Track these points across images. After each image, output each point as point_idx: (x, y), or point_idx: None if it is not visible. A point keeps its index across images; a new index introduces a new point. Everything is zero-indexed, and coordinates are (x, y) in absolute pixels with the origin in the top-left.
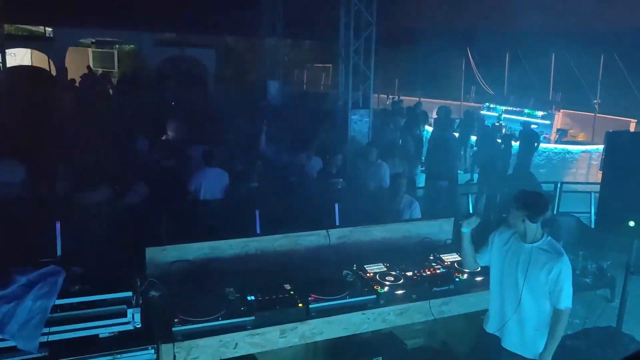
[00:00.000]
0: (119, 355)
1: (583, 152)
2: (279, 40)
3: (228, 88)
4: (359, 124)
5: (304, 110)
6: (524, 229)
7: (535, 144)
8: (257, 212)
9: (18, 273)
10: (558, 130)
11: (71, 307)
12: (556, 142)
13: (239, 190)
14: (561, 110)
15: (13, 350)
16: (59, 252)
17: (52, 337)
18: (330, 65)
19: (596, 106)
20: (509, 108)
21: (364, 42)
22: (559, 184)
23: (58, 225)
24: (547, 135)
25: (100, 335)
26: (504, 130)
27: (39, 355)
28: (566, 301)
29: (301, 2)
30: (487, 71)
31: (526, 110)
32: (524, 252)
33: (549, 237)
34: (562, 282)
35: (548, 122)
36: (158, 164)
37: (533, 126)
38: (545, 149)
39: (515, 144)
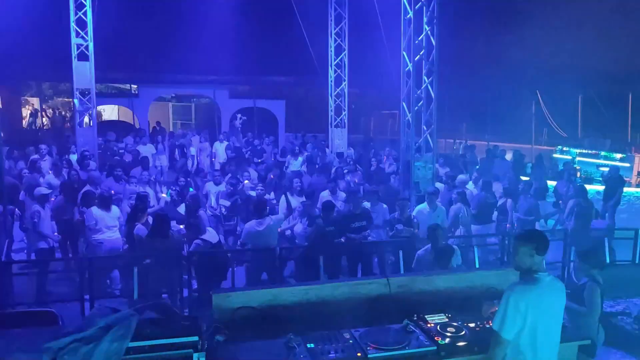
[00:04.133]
0: None
1: None
2: (344, 89)
3: (297, 135)
4: (423, 170)
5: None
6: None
7: (621, 189)
8: (321, 259)
9: (98, 316)
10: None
11: (142, 349)
12: (637, 185)
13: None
14: None
15: None
16: (135, 296)
17: None
18: (397, 111)
19: None
20: (584, 151)
21: (426, 91)
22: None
23: (135, 270)
24: (627, 179)
25: None
26: (578, 174)
27: None
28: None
29: (364, 52)
30: (559, 112)
31: (603, 153)
32: None
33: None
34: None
35: (627, 164)
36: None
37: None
38: (626, 192)
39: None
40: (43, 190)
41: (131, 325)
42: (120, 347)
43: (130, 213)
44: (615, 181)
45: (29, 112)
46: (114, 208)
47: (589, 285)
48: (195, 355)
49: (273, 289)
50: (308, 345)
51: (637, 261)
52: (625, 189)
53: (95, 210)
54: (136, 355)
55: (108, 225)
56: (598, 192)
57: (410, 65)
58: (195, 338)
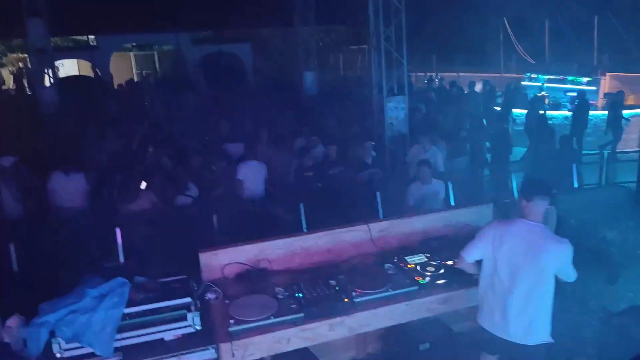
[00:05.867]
0: (183, 356)
1: (633, 116)
2: (312, 27)
3: (266, 82)
4: (395, 111)
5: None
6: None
7: (587, 114)
8: (301, 207)
9: (89, 287)
10: (606, 94)
11: (138, 314)
12: (603, 107)
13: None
14: (608, 74)
15: (92, 355)
16: (121, 259)
17: (124, 342)
18: (366, 46)
19: None
20: (552, 77)
21: (395, 29)
22: (605, 154)
23: (118, 231)
24: (593, 102)
25: (165, 339)
26: (547, 101)
27: (115, 358)
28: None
29: None
30: (527, 40)
31: (570, 78)
32: None
33: None
34: None
35: (594, 87)
36: (205, 165)
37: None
38: (592, 116)
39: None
40: None
41: (124, 292)
42: (117, 314)
43: None
44: (582, 107)
45: None
46: None
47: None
48: (189, 315)
49: (259, 243)
50: (297, 295)
51: (603, 183)
52: (591, 112)
53: None
54: (132, 320)
55: None
56: (566, 118)
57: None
58: (188, 299)
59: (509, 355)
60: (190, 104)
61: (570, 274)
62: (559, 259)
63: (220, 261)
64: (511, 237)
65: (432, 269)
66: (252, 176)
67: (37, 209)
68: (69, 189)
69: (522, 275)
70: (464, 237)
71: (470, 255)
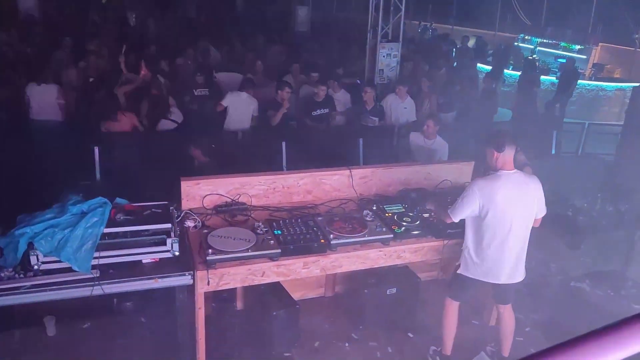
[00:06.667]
0: (160, 279)
1: (618, 89)
2: None
3: (256, 13)
4: (387, 58)
5: (333, 40)
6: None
7: (575, 82)
8: (283, 145)
9: (70, 204)
10: (594, 65)
11: (117, 235)
12: (590, 78)
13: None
14: (600, 44)
15: (69, 270)
16: (97, 176)
17: (101, 261)
18: None
19: (637, 41)
20: (545, 40)
21: None
22: (586, 124)
23: (97, 150)
24: (581, 71)
25: (144, 261)
26: (537, 64)
27: (91, 275)
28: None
29: None
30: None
31: (562, 44)
32: None
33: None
34: None
35: (584, 56)
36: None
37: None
38: (579, 84)
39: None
40: None
41: (105, 212)
42: (96, 232)
43: None
44: (569, 73)
45: None
46: None
47: None
48: (168, 240)
49: (240, 177)
50: (275, 232)
51: (579, 153)
52: (579, 81)
53: None
54: (111, 240)
55: None
56: (553, 84)
57: None
58: (169, 225)
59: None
60: (176, 26)
61: (543, 208)
62: (539, 196)
63: (201, 191)
64: (500, 191)
65: (409, 219)
66: (240, 108)
67: (12, 120)
68: (41, 100)
69: (519, 222)
70: (442, 192)
71: (458, 215)
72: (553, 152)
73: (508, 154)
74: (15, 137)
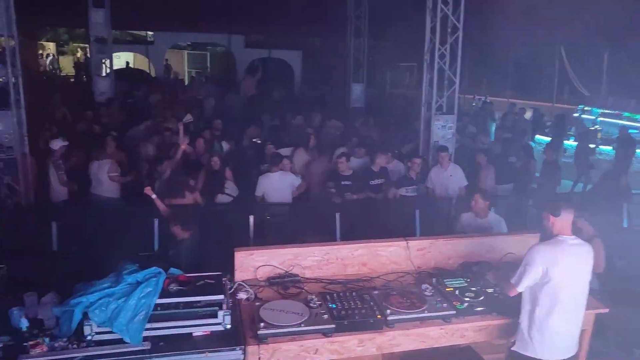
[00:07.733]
0: (210, 354)
1: None
2: (364, 40)
3: (313, 91)
4: (443, 130)
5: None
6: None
7: (632, 151)
8: (337, 216)
9: (126, 273)
10: None
11: (170, 306)
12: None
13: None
14: None
15: (121, 341)
16: (156, 247)
17: (152, 333)
18: (415, 64)
19: None
20: (607, 111)
21: (450, 47)
22: None
23: (156, 222)
24: None
25: (194, 334)
26: (599, 135)
27: (142, 348)
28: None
29: (386, 4)
30: (583, 71)
31: (625, 114)
32: None
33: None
34: None
35: None
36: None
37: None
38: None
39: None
40: None
41: (159, 282)
42: (149, 302)
43: None
44: (625, 142)
45: (46, 56)
46: None
47: None
48: (220, 313)
49: (294, 248)
50: (330, 305)
51: None
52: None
53: None
54: (163, 311)
55: None
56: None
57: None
58: (221, 297)
59: None
60: (237, 105)
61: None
62: (591, 262)
63: (255, 262)
64: (561, 256)
65: (472, 294)
66: (277, 188)
67: (80, 194)
68: (97, 175)
69: (579, 290)
70: (506, 265)
71: (523, 284)
72: (625, 225)
73: (566, 219)
74: (81, 210)
